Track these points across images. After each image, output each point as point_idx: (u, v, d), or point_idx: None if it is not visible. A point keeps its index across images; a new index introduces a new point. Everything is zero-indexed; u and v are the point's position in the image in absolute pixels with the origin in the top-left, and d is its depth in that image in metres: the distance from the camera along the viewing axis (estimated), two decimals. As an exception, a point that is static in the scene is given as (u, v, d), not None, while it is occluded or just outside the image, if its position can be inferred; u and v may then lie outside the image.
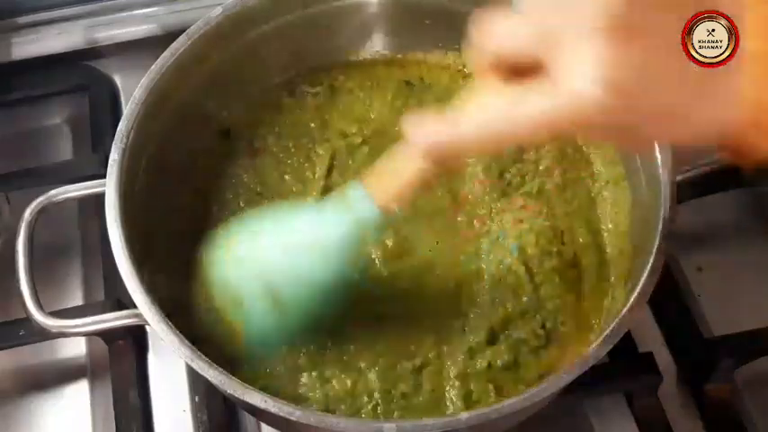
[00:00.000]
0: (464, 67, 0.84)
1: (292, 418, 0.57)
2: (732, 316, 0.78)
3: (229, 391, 0.58)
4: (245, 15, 0.77)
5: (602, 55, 0.44)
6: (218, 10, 0.76)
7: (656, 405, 0.74)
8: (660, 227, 0.64)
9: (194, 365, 0.59)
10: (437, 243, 0.74)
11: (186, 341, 0.60)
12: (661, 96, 0.46)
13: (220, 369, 0.59)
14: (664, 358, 0.77)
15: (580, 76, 0.45)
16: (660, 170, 0.65)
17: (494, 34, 0.50)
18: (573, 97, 0.45)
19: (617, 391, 0.74)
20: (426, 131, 0.52)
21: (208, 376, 0.59)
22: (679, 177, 0.66)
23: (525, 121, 0.47)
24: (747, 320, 0.77)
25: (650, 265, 0.62)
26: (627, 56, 0.44)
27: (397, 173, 0.57)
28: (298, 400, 0.66)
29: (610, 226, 0.75)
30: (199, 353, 0.59)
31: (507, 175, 0.78)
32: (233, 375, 0.59)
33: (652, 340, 0.77)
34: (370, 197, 0.58)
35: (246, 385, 0.58)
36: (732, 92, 0.47)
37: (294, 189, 0.78)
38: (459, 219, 0.75)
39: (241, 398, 0.58)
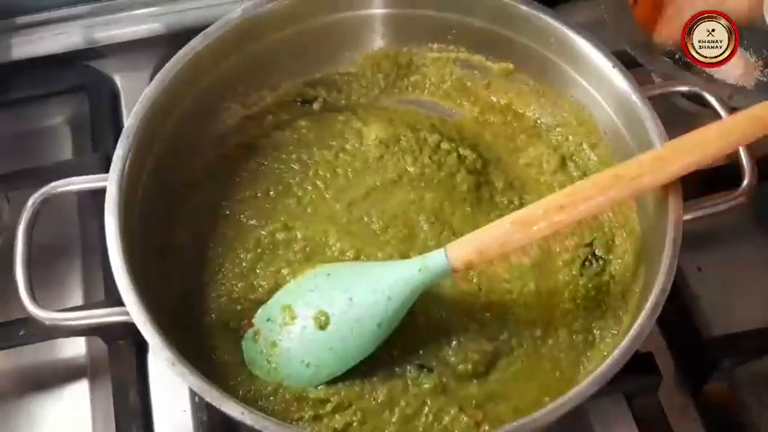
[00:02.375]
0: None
1: None
2: (732, 316, 0.78)
3: (208, 399, 0.58)
4: (264, 20, 0.78)
5: None
6: (238, 12, 0.76)
7: (656, 405, 0.74)
8: (667, 250, 0.64)
9: (174, 371, 0.59)
10: None
11: (169, 344, 0.60)
12: None
13: (201, 376, 0.59)
14: (664, 358, 0.77)
15: None
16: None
17: None
18: None
19: (617, 391, 0.74)
20: None
21: (188, 383, 0.59)
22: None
23: None
24: (747, 320, 0.77)
25: (659, 285, 0.62)
26: None
27: (479, 245, 0.62)
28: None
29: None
30: (182, 358, 0.59)
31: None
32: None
33: (652, 340, 0.77)
34: (450, 264, 0.63)
35: (225, 395, 0.58)
36: None
37: (300, 192, 0.79)
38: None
39: (219, 407, 0.57)
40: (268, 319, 0.69)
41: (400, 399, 0.67)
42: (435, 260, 0.64)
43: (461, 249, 0.64)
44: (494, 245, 0.63)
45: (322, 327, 0.66)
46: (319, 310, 0.67)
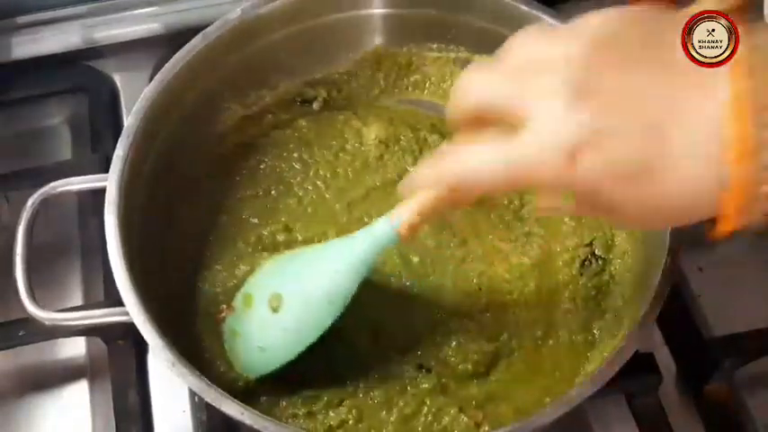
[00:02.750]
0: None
1: None
2: (732, 316, 0.78)
3: (207, 399, 0.58)
4: (263, 19, 0.77)
5: (564, 114, 0.46)
6: (237, 12, 0.76)
7: (656, 405, 0.74)
8: (668, 250, 0.64)
9: (174, 371, 0.59)
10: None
11: (169, 345, 0.60)
12: (618, 151, 0.46)
13: (201, 376, 0.59)
14: (664, 358, 0.77)
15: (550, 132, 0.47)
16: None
17: (472, 89, 0.52)
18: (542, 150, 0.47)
19: (617, 391, 0.74)
20: (434, 172, 0.54)
21: (187, 383, 0.59)
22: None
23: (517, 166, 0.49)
24: (747, 320, 0.77)
25: (659, 285, 0.62)
26: (584, 114, 0.46)
27: (418, 207, 0.59)
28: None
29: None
30: (182, 358, 0.59)
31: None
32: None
33: (652, 340, 0.77)
34: (395, 229, 0.61)
35: (225, 395, 0.58)
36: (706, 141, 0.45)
37: (301, 192, 0.79)
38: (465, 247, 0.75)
39: (218, 407, 0.57)
40: (234, 309, 0.70)
41: (399, 399, 0.67)
42: (380, 228, 0.63)
43: (404, 214, 0.61)
44: (433, 206, 0.60)
45: (275, 309, 0.66)
46: (272, 292, 0.67)
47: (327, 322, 0.65)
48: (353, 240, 0.65)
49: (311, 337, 0.66)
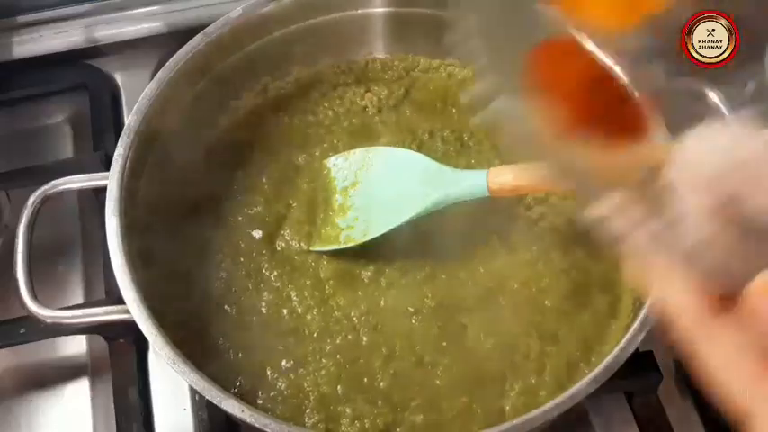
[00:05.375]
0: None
1: (267, 430, 0.57)
2: (732, 315, 0.78)
3: (208, 397, 0.58)
4: (264, 18, 0.78)
5: None
6: (239, 11, 0.76)
7: (656, 404, 0.74)
8: None
9: (176, 369, 0.59)
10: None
11: (170, 342, 0.60)
12: None
13: (202, 374, 0.59)
14: (664, 357, 0.77)
15: None
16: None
17: None
18: None
19: (617, 391, 0.74)
20: None
21: (188, 381, 0.59)
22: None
23: None
24: (747, 319, 0.77)
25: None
26: None
27: (521, 176, 0.66)
28: None
29: None
30: (183, 356, 0.59)
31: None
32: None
33: (652, 339, 0.77)
34: (488, 184, 0.67)
35: (225, 393, 0.58)
36: None
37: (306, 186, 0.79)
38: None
39: (219, 405, 0.58)
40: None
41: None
42: (477, 177, 0.68)
43: (503, 174, 0.68)
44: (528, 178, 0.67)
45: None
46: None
47: (384, 229, 0.70)
48: (449, 175, 0.69)
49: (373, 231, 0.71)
